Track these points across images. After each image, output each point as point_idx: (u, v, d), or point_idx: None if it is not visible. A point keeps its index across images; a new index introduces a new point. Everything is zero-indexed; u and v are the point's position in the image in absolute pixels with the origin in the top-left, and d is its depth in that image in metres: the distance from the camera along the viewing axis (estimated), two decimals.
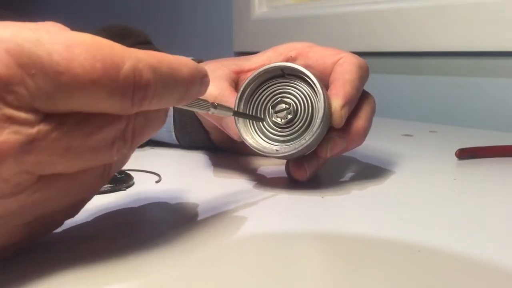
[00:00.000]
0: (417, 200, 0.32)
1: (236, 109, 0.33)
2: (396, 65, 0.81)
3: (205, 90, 0.23)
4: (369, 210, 0.30)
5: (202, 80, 0.23)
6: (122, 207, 0.29)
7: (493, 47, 0.66)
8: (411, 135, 0.58)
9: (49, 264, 0.21)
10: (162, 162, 0.43)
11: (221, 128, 0.36)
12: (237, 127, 0.33)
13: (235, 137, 0.34)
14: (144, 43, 0.55)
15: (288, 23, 0.93)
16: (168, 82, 0.21)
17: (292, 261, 0.22)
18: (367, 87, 0.37)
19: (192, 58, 0.48)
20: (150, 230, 0.26)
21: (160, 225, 0.27)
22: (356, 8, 0.82)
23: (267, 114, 0.34)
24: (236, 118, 0.33)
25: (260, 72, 0.34)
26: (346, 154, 0.37)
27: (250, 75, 0.34)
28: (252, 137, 0.34)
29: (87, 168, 0.20)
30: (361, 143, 0.35)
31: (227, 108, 0.29)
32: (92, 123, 0.19)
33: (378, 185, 0.35)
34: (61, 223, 0.22)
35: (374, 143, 0.47)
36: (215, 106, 0.27)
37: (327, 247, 0.24)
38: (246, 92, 0.34)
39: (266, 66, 0.34)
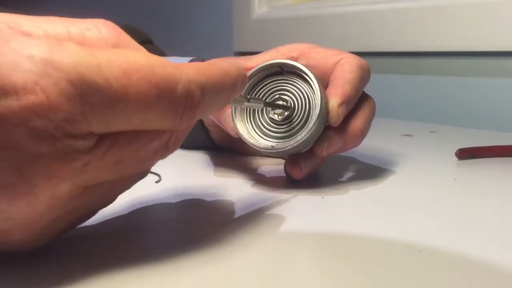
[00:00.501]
0: (417, 200, 0.32)
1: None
2: (396, 65, 0.81)
3: (242, 90, 0.24)
4: (369, 210, 0.30)
5: (243, 81, 0.23)
6: (121, 207, 0.29)
7: (493, 47, 0.66)
8: (411, 135, 0.58)
9: (50, 264, 0.21)
10: (162, 162, 0.43)
11: (219, 124, 0.36)
12: (234, 122, 0.34)
13: (232, 133, 0.35)
14: (145, 42, 0.55)
15: (288, 23, 0.93)
16: (214, 97, 0.21)
17: (291, 261, 0.22)
18: (367, 88, 0.37)
19: (193, 58, 0.48)
20: (149, 230, 0.26)
21: (160, 225, 0.27)
22: (356, 8, 0.82)
23: (264, 111, 0.34)
24: (233, 114, 0.34)
25: (259, 68, 0.34)
26: (346, 154, 0.37)
27: (249, 72, 0.34)
28: (248, 132, 0.34)
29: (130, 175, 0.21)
30: (358, 144, 0.35)
31: (259, 100, 0.31)
32: (141, 139, 0.20)
33: (378, 185, 0.35)
34: (92, 215, 0.23)
35: (374, 143, 0.47)
36: (248, 99, 0.29)
37: (327, 247, 0.24)
38: (245, 88, 0.34)
39: (265, 63, 0.34)
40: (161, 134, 0.20)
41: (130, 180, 0.22)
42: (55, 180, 0.18)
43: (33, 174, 0.17)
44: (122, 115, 0.18)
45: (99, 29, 0.21)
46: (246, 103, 0.28)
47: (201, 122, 0.44)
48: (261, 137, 0.34)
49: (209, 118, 0.40)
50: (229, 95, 0.22)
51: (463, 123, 0.69)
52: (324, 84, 0.34)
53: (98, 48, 0.19)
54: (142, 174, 0.23)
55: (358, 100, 0.35)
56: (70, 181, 0.18)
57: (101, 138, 0.18)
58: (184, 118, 0.20)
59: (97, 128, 0.18)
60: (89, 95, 0.17)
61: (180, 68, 0.20)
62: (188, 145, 0.47)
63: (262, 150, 0.33)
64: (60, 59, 0.17)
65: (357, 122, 0.34)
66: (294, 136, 0.32)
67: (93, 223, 0.26)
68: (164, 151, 0.21)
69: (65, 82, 0.17)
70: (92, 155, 0.18)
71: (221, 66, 0.22)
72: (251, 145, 0.33)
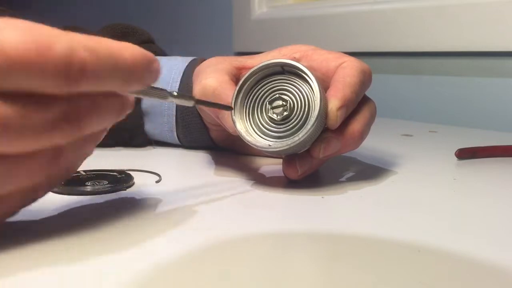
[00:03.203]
0: (417, 200, 0.32)
1: (233, 102, 0.33)
2: (396, 65, 0.81)
3: (156, 77, 0.23)
4: (369, 210, 0.30)
5: (149, 66, 0.22)
6: (122, 207, 0.29)
7: (493, 47, 0.66)
8: (411, 135, 0.58)
9: (49, 264, 0.21)
10: (162, 162, 0.43)
11: (218, 121, 0.36)
12: (232, 120, 0.34)
13: (231, 130, 0.35)
14: (147, 42, 0.55)
15: (288, 23, 0.93)
16: (107, 63, 0.20)
17: (291, 261, 0.22)
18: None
19: (193, 57, 0.48)
20: (149, 230, 0.26)
21: (160, 225, 0.27)
22: (357, 8, 0.82)
23: (263, 109, 0.34)
24: (233, 111, 0.34)
25: (260, 67, 0.34)
26: (346, 154, 0.37)
27: (250, 70, 0.34)
28: (246, 130, 0.34)
29: (31, 150, 0.20)
30: (357, 147, 0.35)
31: (188, 97, 0.28)
32: (29, 103, 0.19)
33: (378, 185, 0.35)
34: (14, 210, 0.23)
35: (374, 143, 0.47)
36: (174, 95, 0.27)
37: (326, 247, 0.24)
38: (245, 86, 0.34)
39: (266, 62, 0.34)
40: (54, 100, 0.20)
41: (37, 167, 0.21)
42: None
43: None
44: (1, 71, 0.18)
45: None
46: (171, 98, 0.27)
47: (201, 120, 0.44)
48: (259, 135, 0.34)
49: (210, 116, 0.39)
50: (130, 70, 0.21)
51: (463, 123, 0.69)
52: (325, 86, 0.34)
53: None
54: (48, 164, 0.21)
55: (359, 103, 0.35)
56: None
57: None
58: (71, 78, 0.19)
59: None
60: None
61: (66, 33, 0.20)
62: (189, 145, 0.47)
63: (259, 148, 0.33)
64: None
65: (356, 125, 0.34)
66: (292, 137, 0.32)
67: (89, 219, 0.26)
68: (64, 125, 0.20)
69: None
70: None
71: (123, 42, 0.21)
72: (248, 143, 0.33)
